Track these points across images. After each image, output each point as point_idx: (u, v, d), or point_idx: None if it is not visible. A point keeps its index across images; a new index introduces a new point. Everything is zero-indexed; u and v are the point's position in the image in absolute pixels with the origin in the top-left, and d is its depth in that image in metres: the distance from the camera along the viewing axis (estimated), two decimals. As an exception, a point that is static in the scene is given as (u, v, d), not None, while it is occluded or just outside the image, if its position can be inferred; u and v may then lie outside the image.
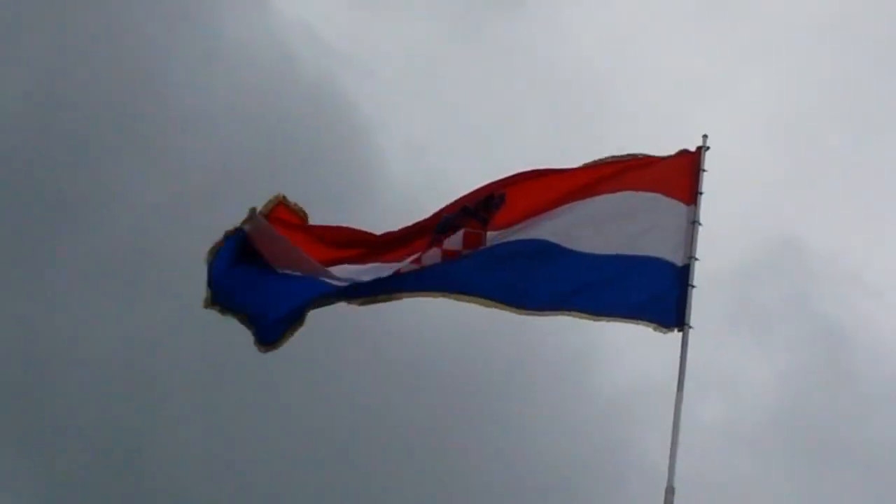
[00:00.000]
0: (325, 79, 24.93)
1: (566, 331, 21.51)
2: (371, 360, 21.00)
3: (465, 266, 11.66)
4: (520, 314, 11.96)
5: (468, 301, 11.78)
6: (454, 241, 11.63)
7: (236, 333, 20.95)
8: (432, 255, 11.62)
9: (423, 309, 20.92)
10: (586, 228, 11.66)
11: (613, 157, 11.88)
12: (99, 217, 21.90)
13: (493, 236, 11.70)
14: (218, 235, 20.95)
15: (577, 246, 11.65)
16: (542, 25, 26.89)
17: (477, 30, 26.72)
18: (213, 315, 20.84)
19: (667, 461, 11.25)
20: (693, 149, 11.88)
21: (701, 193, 11.77)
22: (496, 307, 11.83)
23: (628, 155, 11.91)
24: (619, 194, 11.71)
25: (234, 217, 20.74)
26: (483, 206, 11.75)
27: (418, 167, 23.83)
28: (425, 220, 11.82)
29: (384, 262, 11.69)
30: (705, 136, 11.89)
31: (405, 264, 11.56)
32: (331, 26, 26.23)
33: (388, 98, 25.52)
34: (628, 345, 21.26)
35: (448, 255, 11.64)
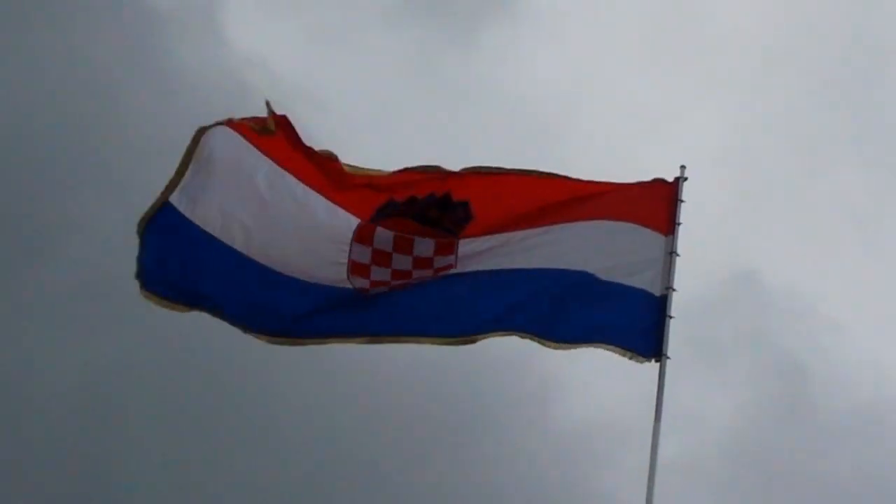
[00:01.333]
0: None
1: (524, 365, 21.53)
2: (328, 392, 20.90)
3: (439, 299, 11.47)
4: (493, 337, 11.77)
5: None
6: (424, 249, 11.40)
7: (197, 363, 20.93)
8: (402, 262, 11.35)
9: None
10: (563, 251, 11.56)
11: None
12: (57, 246, 21.82)
13: (464, 245, 11.47)
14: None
15: (554, 264, 11.55)
16: (498, 61, 26.96)
17: (432, 65, 26.74)
18: (175, 343, 20.87)
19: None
20: (670, 179, 11.90)
21: (679, 224, 11.78)
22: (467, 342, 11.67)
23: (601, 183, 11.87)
24: (595, 222, 11.64)
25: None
26: (446, 213, 11.49)
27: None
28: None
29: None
30: (683, 167, 11.89)
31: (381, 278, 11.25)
32: (285, 59, 26.18)
33: (343, 131, 25.42)
34: (587, 379, 21.27)
35: (422, 265, 11.40)
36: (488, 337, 11.60)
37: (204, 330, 21.25)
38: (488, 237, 11.50)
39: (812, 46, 27.99)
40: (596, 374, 20.63)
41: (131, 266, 21.41)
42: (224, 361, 21.14)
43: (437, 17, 27.03)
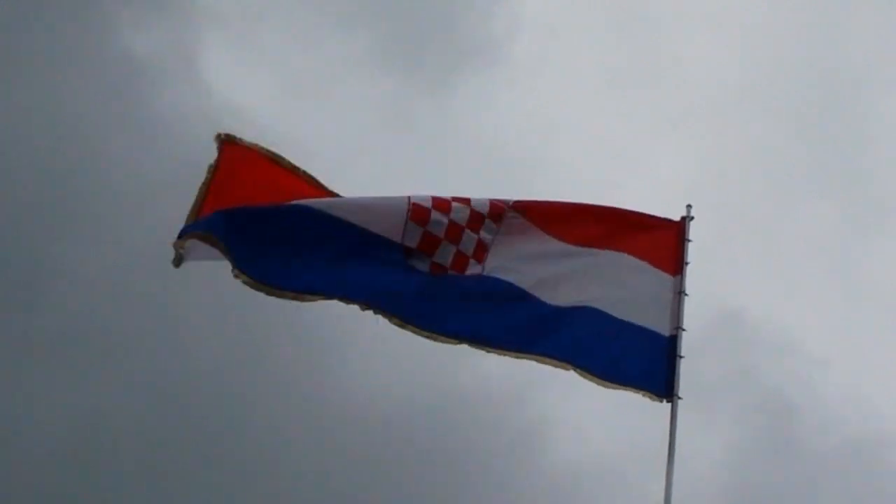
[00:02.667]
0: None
1: (516, 405, 21.53)
2: (319, 432, 20.91)
3: (449, 302, 11.45)
4: (506, 355, 11.69)
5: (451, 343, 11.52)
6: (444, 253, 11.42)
7: (183, 408, 20.87)
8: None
9: (370, 380, 20.89)
10: (577, 281, 11.59)
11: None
12: (42, 294, 21.78)
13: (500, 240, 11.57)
14: (163, 308, 20.68)
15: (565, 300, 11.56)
16: (473, 109, 27.06)
17: (408, 113, 26.78)
18: (161, 388, 20.81)
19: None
20: (677, 218, 11.94)
21: (687, 263, 11.80)
22: (484, 349, 11.57)
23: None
24: (610, 253, 11.67)
25: (176, 291, 20.51)
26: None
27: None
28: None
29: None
30: (689, 206, 11.92)
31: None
32: (262, 107, 26.21)
33: (320, 178, 25.35)
34: (579, 420, 21.29)
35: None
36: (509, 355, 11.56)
37: (190, 375, 21.30)
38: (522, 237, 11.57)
39: (779, 83, 28.25)
40: (589, 414, 20.66)
41: (116, 312, 21.58)
42: (211, 406, 21.13)
43: (413, 66, 27.20)
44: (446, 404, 20.82)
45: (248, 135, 24.89)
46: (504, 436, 21.69)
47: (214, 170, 11.25)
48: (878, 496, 22.17)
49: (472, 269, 11.44)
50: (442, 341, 11.35)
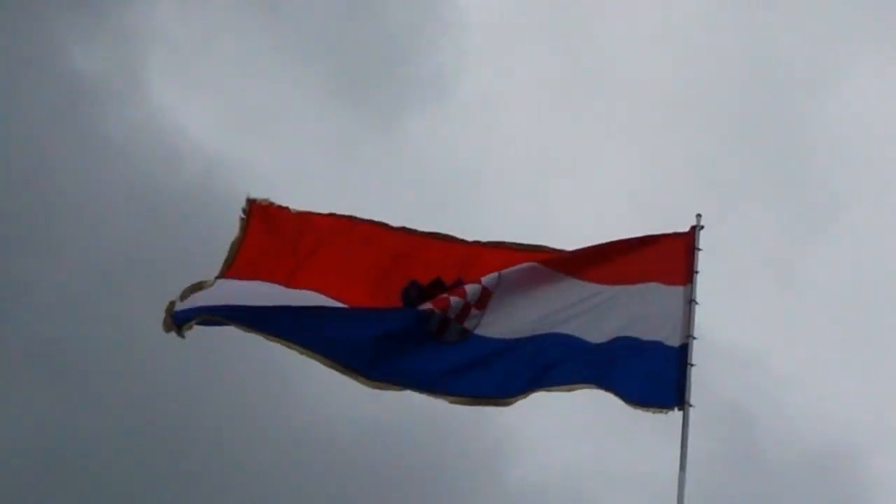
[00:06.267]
0: (206, 177, 24.78)
1: (478, 424, 21.47)
2: (286, 453, 20.83)
3: (455, 358, 11.46)
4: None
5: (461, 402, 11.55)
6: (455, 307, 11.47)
7: (147, 427, 20.70)
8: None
9: (333, 402, 20.75)
10: (585, 317, 11.57)
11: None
12: (5, 313, 21.40)
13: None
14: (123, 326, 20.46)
15: (580, 333, 11.57)
16: (421, 143, 27.12)
17: (356, 148, 26.76)
18: (129, 405, 20.64)
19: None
20: (686, 229, 11.94)
21: (697, 272, 11.81)
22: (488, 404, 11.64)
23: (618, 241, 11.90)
24: (615, 287, 11.67)
25: (137, 304, 20.41)
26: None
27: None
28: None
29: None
30: (699, 216, 11.94)
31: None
32: (210, 134, 26.20)
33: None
34: (542, 438, 21.28)
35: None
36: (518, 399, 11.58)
37: (153, 392, 21.10)
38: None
39: (714, 89, 28.54)
40: (552, 432, 20.68)
41: (74, 329, 21.40)
42: (175, 425, 21.00)
43: (361, 100, 27.29)
44: (409, 425, 20.74)
45: (194, 154, 24.81)
46: (467, 455, 21.66)
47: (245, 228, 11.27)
48: (839, 509, 22.36)
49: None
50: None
